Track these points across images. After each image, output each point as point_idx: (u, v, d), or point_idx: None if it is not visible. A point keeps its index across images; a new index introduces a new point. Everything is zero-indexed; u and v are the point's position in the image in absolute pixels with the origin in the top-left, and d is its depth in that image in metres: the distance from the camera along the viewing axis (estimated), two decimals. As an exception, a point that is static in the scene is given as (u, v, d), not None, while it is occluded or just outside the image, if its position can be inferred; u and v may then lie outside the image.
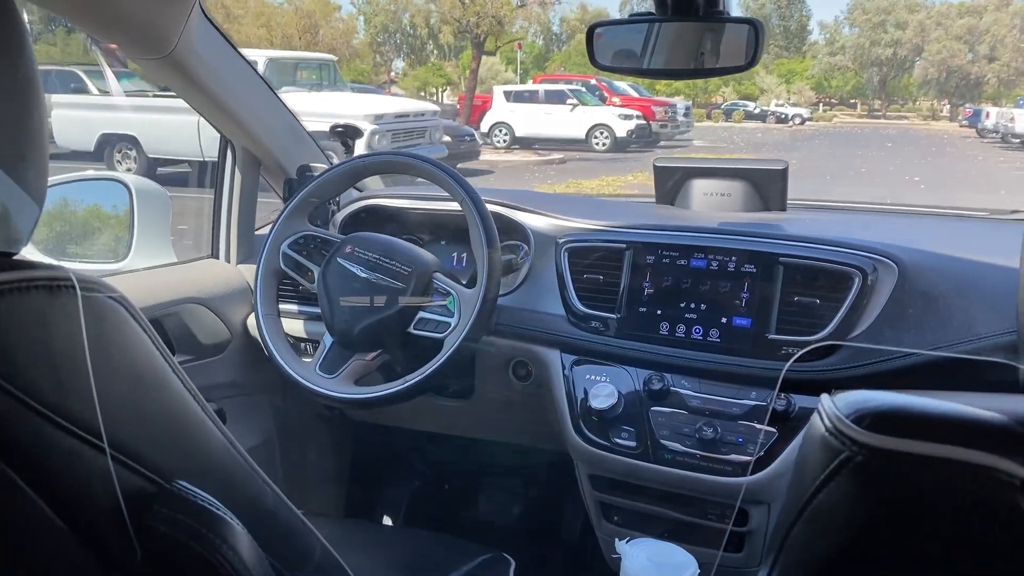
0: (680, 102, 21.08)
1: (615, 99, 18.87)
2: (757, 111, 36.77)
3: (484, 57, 41.62)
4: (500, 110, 17.42)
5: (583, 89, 18.83)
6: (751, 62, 1.09)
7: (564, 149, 15.84)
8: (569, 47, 53.53)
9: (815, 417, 0.45)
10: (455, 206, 1.40)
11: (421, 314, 1.36)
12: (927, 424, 0.41)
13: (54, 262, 0.57)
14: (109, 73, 8.95)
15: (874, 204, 1.87)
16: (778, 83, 44.81)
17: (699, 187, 1.65)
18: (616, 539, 1.05)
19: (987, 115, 23.91)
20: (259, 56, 10.20)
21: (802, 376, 1.20)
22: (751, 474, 1.20)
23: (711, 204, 1.63)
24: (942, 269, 1.26)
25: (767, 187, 1.60)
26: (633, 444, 1.28)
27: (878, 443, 0.41)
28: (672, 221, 1.46)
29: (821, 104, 49.28)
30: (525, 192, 1.71)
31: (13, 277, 0.49)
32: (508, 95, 17.67)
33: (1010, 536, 0.40)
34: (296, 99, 8.82)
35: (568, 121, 16.82)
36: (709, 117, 35.83)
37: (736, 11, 1.09)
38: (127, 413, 0.54)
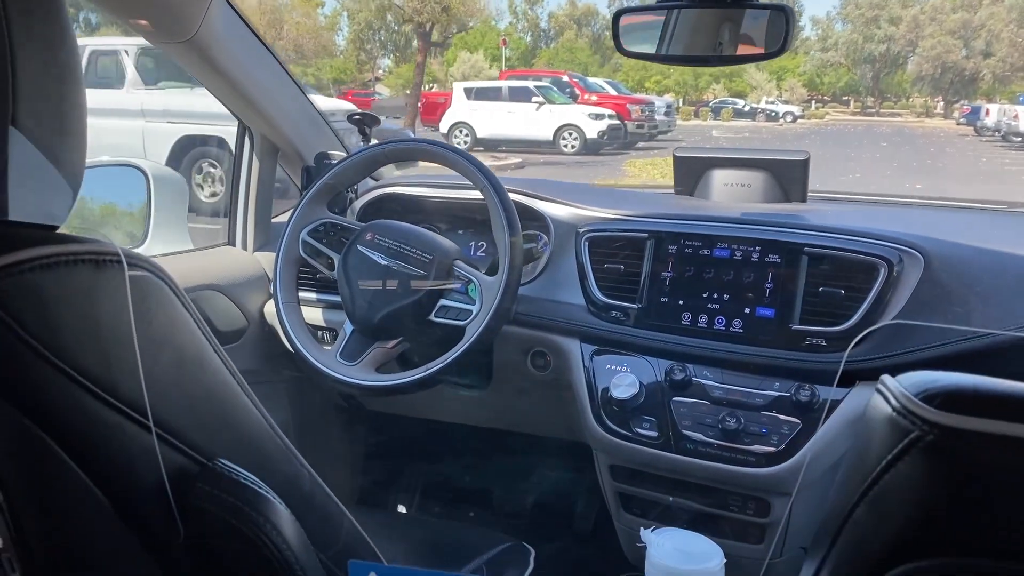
0: (661, 100, 20.31)
1: (590, 96, 17.70)
2: (747, 109, 35.96)
3: (467, 55, 41.43)
4: (460, 109, 16.16)
5: (551, 86, 17.45)
6: (781, 48, 1.08)
7: (530, 151, 14.81)
8: (557, 43, 52.89)
9: (877, 399, 0.44)
10: (473, 194, 1.39)
11: (442, 302, 1.35)
12: (1000, 402, 0.40)
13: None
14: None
15: (895, 196, 1.86)
16: (768, 80, 43.86)
17: (719, 177, 1.64)
18: (641, 528, 1.05)
19: (987, 112, 22.78)
20: (130, 45, 7.94)
21: (827, 367, 1.19)
22: (774, 465, 1.19)
23: (731, 195, 1.62)
24: (967, 260, 1.25)
25: (788, 178, 1.59)
26: (655, 434, 1.28)
27: (949, 422, 0.40)
28: (694, 211, 1.45)
29: (813, 101, 48.51)
30: (545, 181, 1.70)
31: (61, 250, 0.49)
32: (469, 92, 16.43)
33: None
34: (172, 98, 7.55)
35: (534, 121, 15.45)
36: (697, 115, 35.24)
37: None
38: (170, 390, 0.54)
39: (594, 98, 17.54)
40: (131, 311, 0.50)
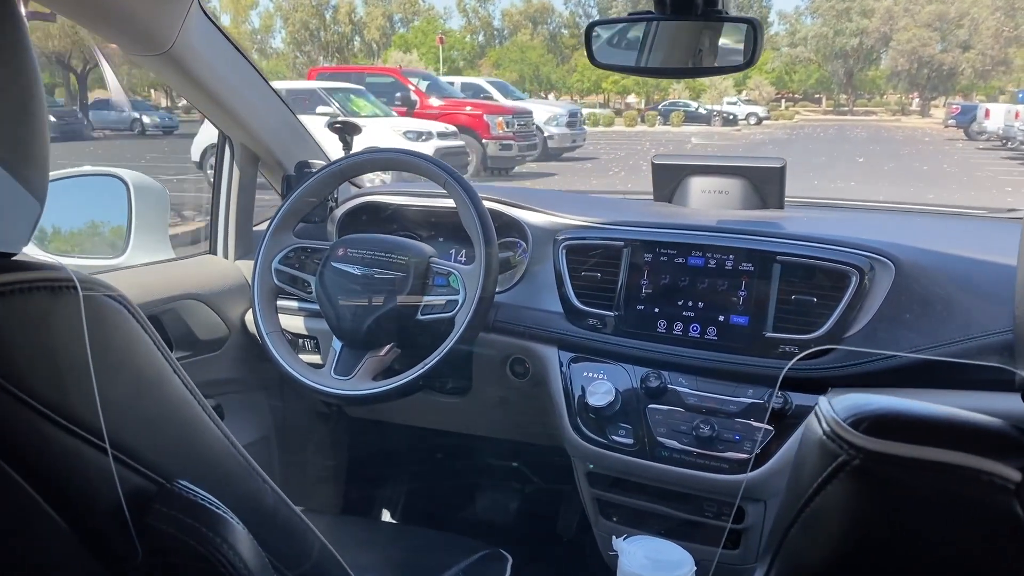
0: (562, 107, 16.03)
1: (438, 103, 12.82)
2: (701, 111, 32.07)
3: (400, 55, 40.45)
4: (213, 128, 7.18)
5: (364, 90, 12.25)
6: (750, 61, 1.10)
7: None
8: (510, 42, 50.95)
9: (812, 420, 0.45)
10: (453, 202, 1.40)
11: (426, 299, 1.36)
12: (924, 428, 0.41)
13: (54, 259, 0.57)
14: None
15: (872, 202, 1.87)
16: (723, 78, 39.58)
17: (697, 185, 1.65)
18: (613, 536, 1.06)
19: (987, 114, 19.24)
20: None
21: (799, 374, 1.20)
22: (748, 471, 1.20)
23: (709, 202, 1.63)
24: (939, 268, 1.26)
25: (765, 185, 1.60)
26: (630, 442, 1.29)
27: (875, 447, 0.41)
28: (670, 219, 1.46)
29: (784, 100, 46.24)
30: (523, 189, 1.71)
31: (15, 279, 0.49)
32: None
33: (1005, 540, 0.40)
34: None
35: (331, 139, 7.27)
36: (643, 120, 31.37)
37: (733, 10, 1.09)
38: (128, 413, 0.55)
39: (440, 103, 12.94)
40: (86, 336, 0.50)
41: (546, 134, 14.19)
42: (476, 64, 48.63)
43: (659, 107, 35.13)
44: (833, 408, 0.44)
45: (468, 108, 12.76)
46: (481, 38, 53.00)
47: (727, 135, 24.89)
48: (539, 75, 46.02)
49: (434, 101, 12.99)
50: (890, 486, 0.41)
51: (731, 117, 31.01)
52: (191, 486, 0.55)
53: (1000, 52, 37.97)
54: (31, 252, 0.59)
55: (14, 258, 0.55)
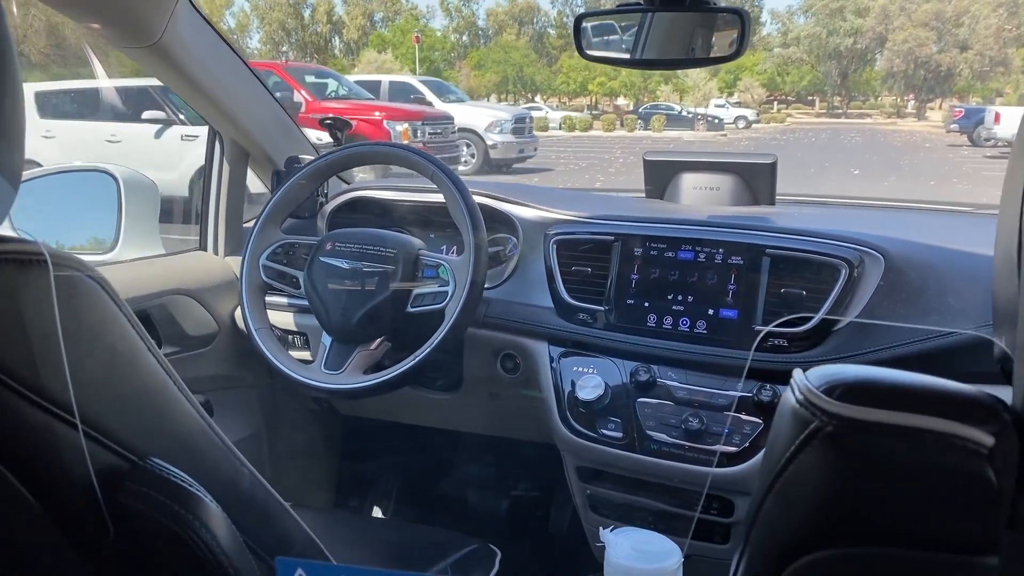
0: (507, 111, 13.66)
1: (328, 107, 10.09)
2: (684, 114, 29.37)
3: (374, 54, 38.76)
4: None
5: None
6: (736, 52, 1.09)
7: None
8: (492, 42, 48.61)
9: (787, 392, 0.45)
10: (443, 197, 1.40)
11: (416, 291, 1.36)
12: (897, 394, 0.41)
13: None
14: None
15: (862, 199, 1.88)
16: (706, 80, 36.50)
17: (688, 181, 1.65)
18: (600, 528, 1.05)
19: (997, 118, 17.22)
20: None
21: (788, 367, 1.20)
22: (736, 464, 1.20)
23: (700, 198, 1.63)
24: (928, 261, 1.26)
25: (756, 181, 1.60)
26: (620, 435, 1.28)
27: (848, 413, 0.41)
28: (660, 214, 1.46)
29: (776, 102, 44.14)
30: (513, 185, 1.71)
31: None
32: (44, 102, 8.14)
33: (978, 505, 0.40)
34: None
35: (155, 155, 7.13)
36: (622, 124, 28.76)
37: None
38: (100, 390, 0.54)
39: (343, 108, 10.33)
40: (56, 310, 0.50)
41: (488, 143, 12.45)
42: (457, 65, 47.13)
43: (640, 110, 32.40)
44: (807, 378, 0.43)
45: (376, 113, 10.52)
46: (465, 38, 51.16)
47: (710, 141, 22.70)
48: (522, 76, 44.28)
49: (332, 104, 10.54)
50: (863, 452, 0.41)
51: (716, 121, 27.77)
52: (164, 464, 0.55)
53: (1000, 52, 36.61)
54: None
55: None
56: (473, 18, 50.72)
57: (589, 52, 1.23)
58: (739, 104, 33.94)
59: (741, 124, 30.27)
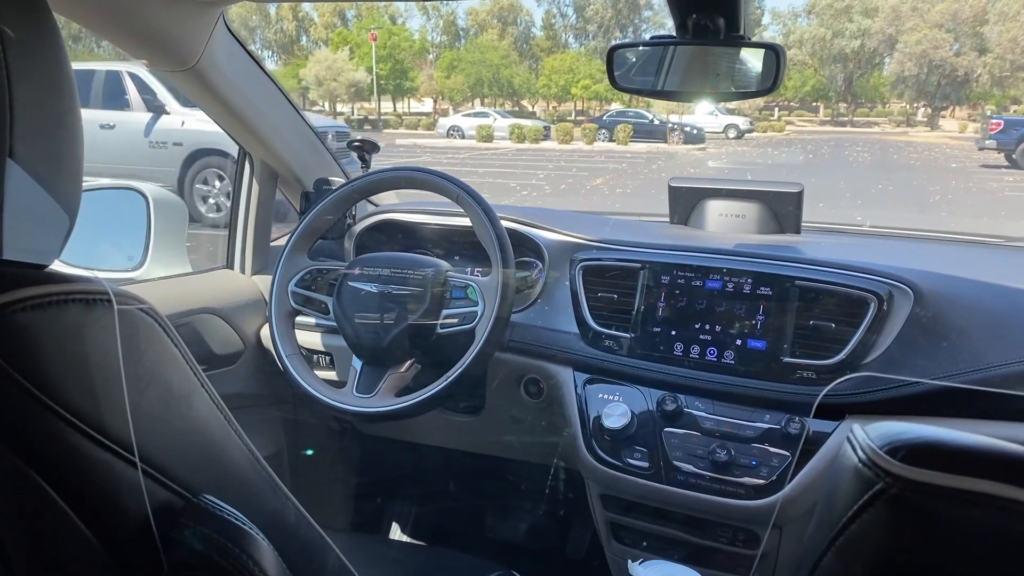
0: (330, 124, 10.15)
1: None
2: (655, 123, 23.83)
3: (326, 52, 35.14)
4: None
5: None
6: (772, 86, 1.10)
7: None
8: (467, 41, 44.48)
9: (846, 447, 0.45)
10: (469, 221, 1.41)
11: (445, 312, 1.36)
12: (962, 457, 0.41)
13: (84, 272, 0.58)
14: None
15: (891, 228, 1.87)
16: None
17: (714, 208, 1.65)
18: (629, 560, 1.05)
19: None
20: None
21: (815, 399, 1.20)
22: (764, 497, 1.20)
23: (726, 225, 1.63)
24: (958, 295, 1.26)
25: (782, 210, 1.60)
26: (646, 465, 1.28)
27: (912, 475, 0.41)
28: (688, 241, 1.47)
29: (778, 108, 40.60)
30: (540, 209, 1.71)
31: (51, 291, 0.50)
32: None
33: None
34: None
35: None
36: (583, 136, 22.71)
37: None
38: (157, 427, 0.55)
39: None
40: (119, 349, 0.51)
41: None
42: (419, 65, 42.95)
43: (604, 117, 25.55)
44: (868, 436, 0.43)
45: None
46: (444, 38, 47.16)
47: (676, 155, 18.57)
48: (499, 79, 39.76)
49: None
50: (927, 515, 0.41)
51: (695, 132, 22.75)
52: (217, 501, 0.56)
53: (1021, 55, 33.12)
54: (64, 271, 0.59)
55: (46, 270, 0.56)
56: (452, 17, 46.57)
57: (622, 84, 1.23)
58: (734, 112, 28.09)
59: (732, 134, 25.95)
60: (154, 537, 0.53)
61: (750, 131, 27.61)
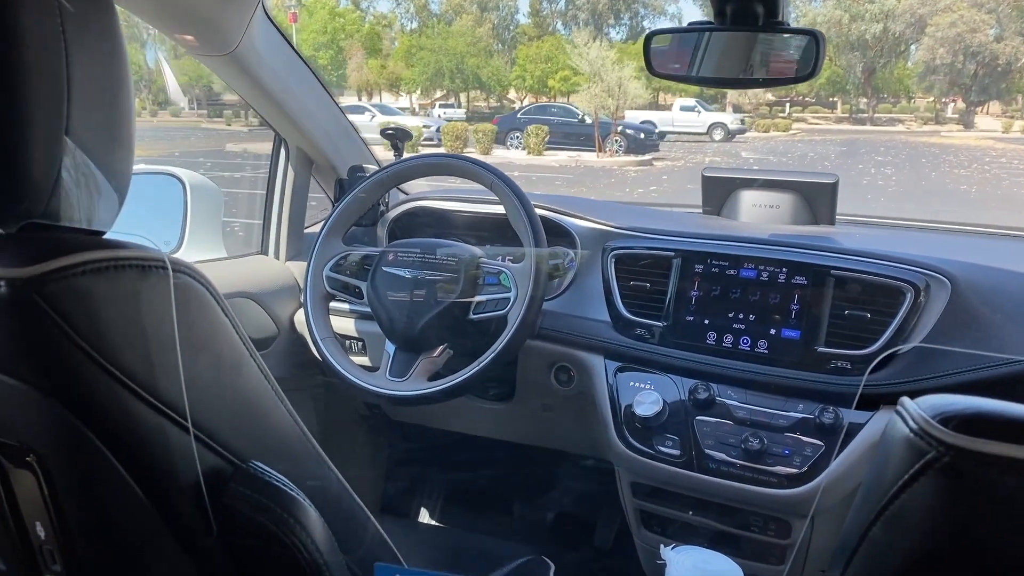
0: None
1: None
2: (586, 123, 17.53)
3: None
4: None
5: None
6: (812, 72, 1.09)
7: None
8: (428, 28, 38.00)
9: (896, 420, 0.45)
10: (502, 208, 1.41)
11: (478, 298, 1.37)
12: (1014, 427, 0.41)
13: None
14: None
15: (925, 221, 1.85)
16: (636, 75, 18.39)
17: (747, 198, 1.64)
18: (661, 545, 1.05)
19: None
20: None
21: (851, 390, 1.19)
22: (796, 486, 1.19)
23: (759, 215, 1.62)
24: (995, 286, 1.24)
25: (817, 200, 1.59)
26: (677, 452, 1.28)
27: (965, 444, 0.41)
28: (721, 230, 1.46)
29: (790, 104, 35.90)
30: (573, 198, 1.71)
31: (109, 256, 0.51)
32: None
33: None
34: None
35: None
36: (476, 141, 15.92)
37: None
38: (208, 394, 0.56)
39: None
40: (174, 315, 0.52)
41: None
42: (381, 54, 35.91)
43: (518, 115, 19.16)
44: (919, 406, 0.43)
45: None
46: (415, 24, 40.37)
47: (596, 171, 13.62)
48: (463, 69, 33.16)
49: None
50: (979, 484, 0.41)
51: (645, 136, 16.78)
52: (266, 467, 0.57)
53: None
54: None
55: (104, 237, 0.57)
56: (425, 2, 39.91)
57: (658, 70, 1.23)
58: (723, 108, 25.14)
59: (717, 135, 21.34)
60: (204, 500, 0.54)
61: (742, 131, 22.68)
